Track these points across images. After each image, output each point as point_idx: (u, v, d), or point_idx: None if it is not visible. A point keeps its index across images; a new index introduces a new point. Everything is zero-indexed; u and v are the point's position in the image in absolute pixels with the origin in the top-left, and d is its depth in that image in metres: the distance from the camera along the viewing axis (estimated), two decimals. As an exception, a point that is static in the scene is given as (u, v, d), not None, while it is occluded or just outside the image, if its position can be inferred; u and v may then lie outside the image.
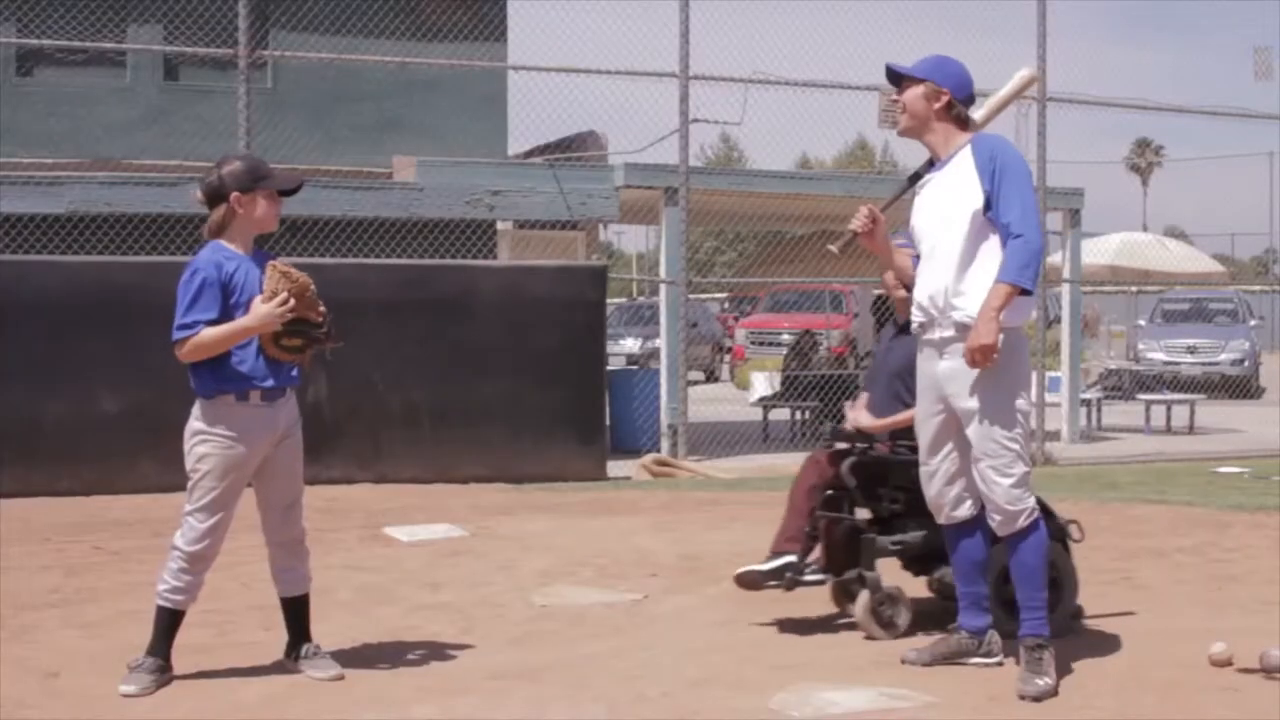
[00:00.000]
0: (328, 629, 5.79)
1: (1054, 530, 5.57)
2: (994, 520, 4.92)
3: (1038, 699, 4.64)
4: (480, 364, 11.05)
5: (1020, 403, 4.95)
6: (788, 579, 5.66)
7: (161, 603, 4.92)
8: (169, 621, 4.92)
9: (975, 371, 4.84)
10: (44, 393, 10.07)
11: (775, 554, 5.75)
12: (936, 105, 5.05)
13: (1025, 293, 4.82)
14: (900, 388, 5.76)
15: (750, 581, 5.76)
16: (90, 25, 13.44)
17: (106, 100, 14.66)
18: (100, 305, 10.08)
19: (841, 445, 5.85)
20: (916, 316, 5.09)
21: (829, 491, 5.70)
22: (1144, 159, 48.96)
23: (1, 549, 7.70)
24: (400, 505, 9.68)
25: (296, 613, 5.13)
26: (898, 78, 5.13)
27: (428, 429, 10.89)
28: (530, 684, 4.96)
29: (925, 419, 5.11)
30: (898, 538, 5.67)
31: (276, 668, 5.11)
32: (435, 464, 10.85)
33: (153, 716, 4.59)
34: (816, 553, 5.73)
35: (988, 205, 4.89)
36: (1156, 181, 49.64)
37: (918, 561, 5.82)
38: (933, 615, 5.65)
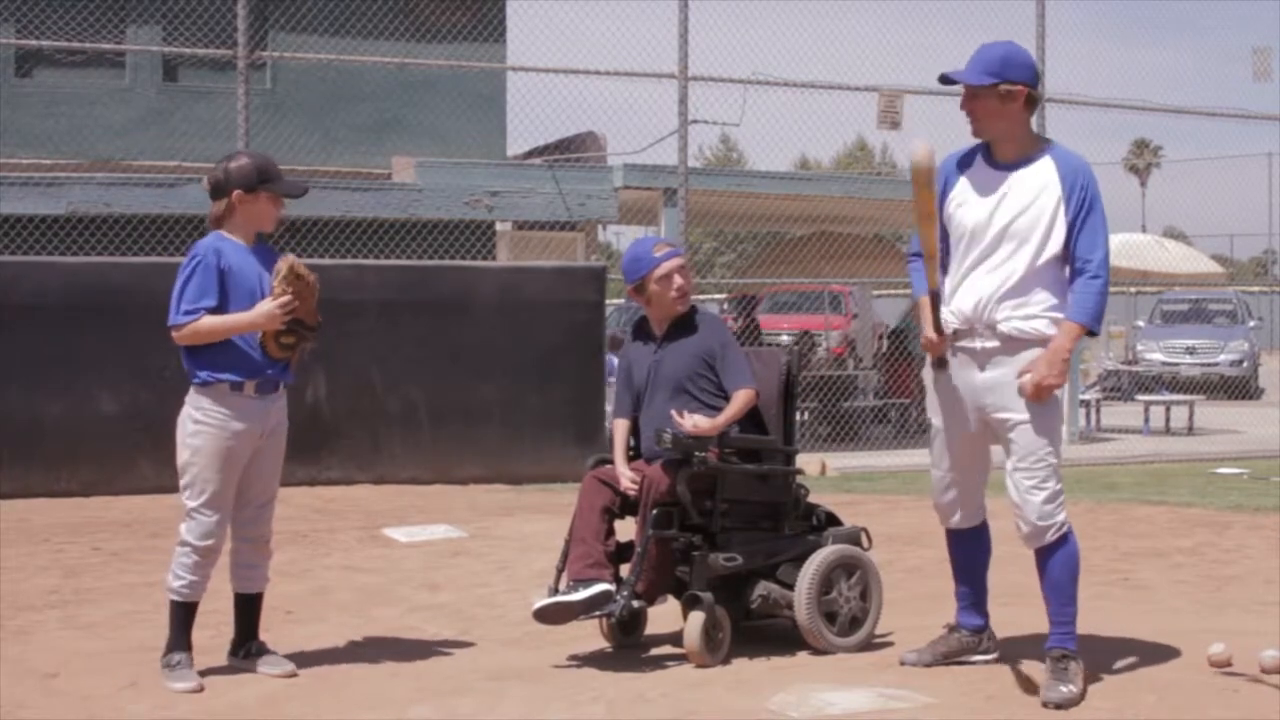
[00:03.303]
0: (326, 629, 5.81)
1: (849, 537, 5.56)
2: (1021, 531, 4.82)
3: (1060, 706, 4.58)
4: (479, 365, 11.04)
5: (1059, 417, 4.89)
6: (621, 607, 5.11)
7: (176, 598, 4.97)
8: (186, 615, 4.99)
9: (1017, 383, 4.73)
10: (44, 393, 10.06)
11: (578, 582, 5.18)
12: (1014, 105, 4.78)
13: (1091, 334, 4.81)
14: (693, 390, 5.41)
15: (560, 614, 5.16)
16: (89, 26, 13.45)
17: (105, 101, 14.67)
18: (100, 306, 10.08)
19: (674, 455, 5.23)
20: (951, 322, 4.88)
21: (657, 508, 5.15)
22: (1142, 159, 48.93)
23: (1, 549, 7.70)
24: (399, 506, 9.68)
25: (250, 610, 5.19)
26: (958, 83, 4.80)
27: (427, 430, 10.89)
28: (530, 684, 4.96)
29: (952, 428, 4.98)
30: (730, 555, 5.25)
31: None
32: (434, 465, 10.85)
33: (152, 717, 4.59)
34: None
35: (1068, 234, 4.72)
36: (1155, 182, 49.56)
37: (739, 579, 5.36)
38: (774, 635, 5.46)
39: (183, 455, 4.96)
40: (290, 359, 5.06)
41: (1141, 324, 25.03)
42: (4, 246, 11.65)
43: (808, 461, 12.79)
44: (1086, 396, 15.93)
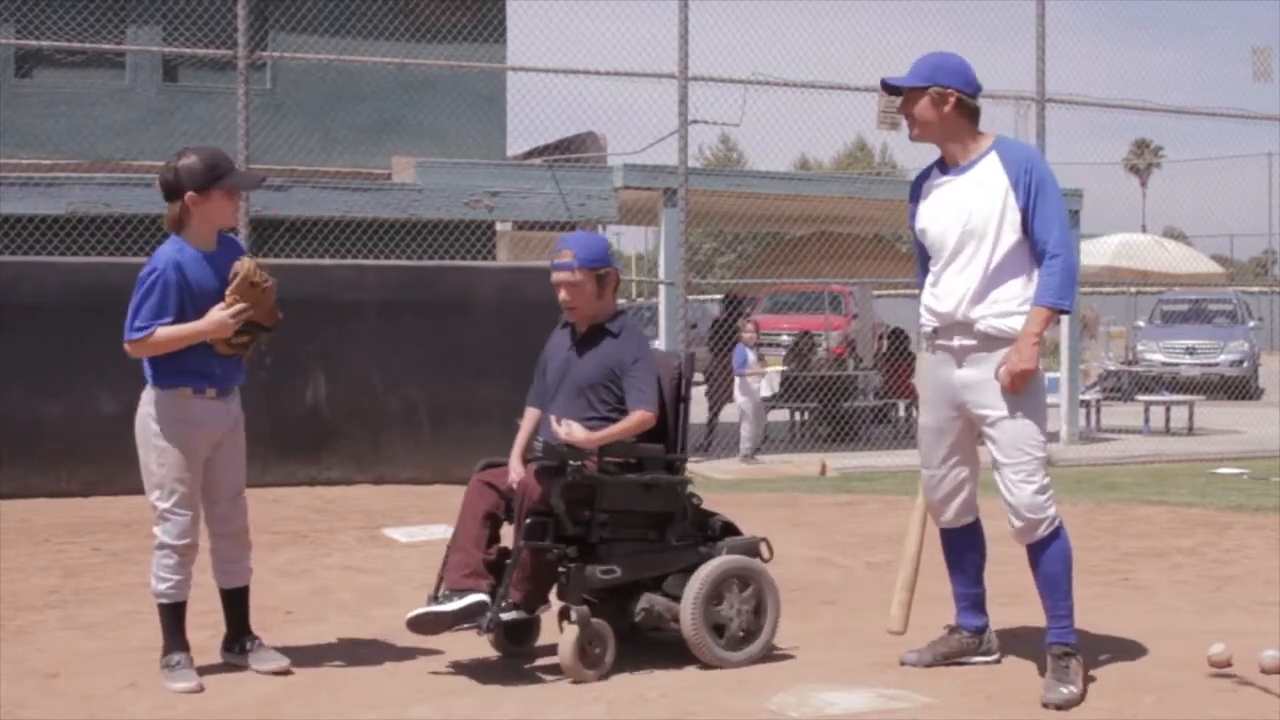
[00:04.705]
0: (326, 629, 5.81)
1: (747, 547, 5.35)
2: (1013, 527, 4.84)
3: (1061, 707, 4.59)
4: (479, 365, 11.04)
5: (1041, 412, 4.87)
6: (489, 619, 4.93)
7: (164, 600, 4.98)
8: (176, 616, 5.00)
9: (999, 380, 4.76)
10: (44, 393, 10.07)
11: (453, 591, 5.03)
12: (946, 108, 4.87)
13: (1064, 313, 4.79)
14: (593, 399, 5.25)
15: (433, 625, 5.00)
16: (89, 26, 13.44)
17: (106, 101, 14.66)
18: (100, 306, 10.01)
19: (548, 463, 5.07)
20: (930, 322, 4.98)
21: (531, 518, 4.97)
22: (1143, 160, 48.93)
23: (1, 550, 7.70)
24: (399, 506, 9.67)
25: (238, 605, 5.21)
26: (897, 89, 4.96)
27: (426, 430, 10.89)
28: (530, 684, 4.96)
29: (935, 426, 5.02)
30: (609, 567, 5.04)
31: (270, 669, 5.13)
32: (434, 465, 10.84)
33: (152, 717, 4.59)
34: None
35: (1023, 221, 4.77)
36: (1155, 182, 49.55)
37: (625, 590, 5.16)
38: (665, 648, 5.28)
39: (150, 458, 4.95)
40: (242, 355, 5.06)
41: (1141, 324, 25.03)
42: (4, 246, 11.65)
43: (808, 461, 12.80)
44: (1086, 396, 15.92)
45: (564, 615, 5.07)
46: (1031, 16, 13.75)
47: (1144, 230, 26.45)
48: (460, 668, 5.21)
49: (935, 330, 4.97)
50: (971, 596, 5.17)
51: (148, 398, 4.98)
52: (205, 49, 12.70)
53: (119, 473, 9.96)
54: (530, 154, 16.49)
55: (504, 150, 15.91)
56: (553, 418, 5.15)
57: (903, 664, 5.12)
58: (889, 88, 5.02)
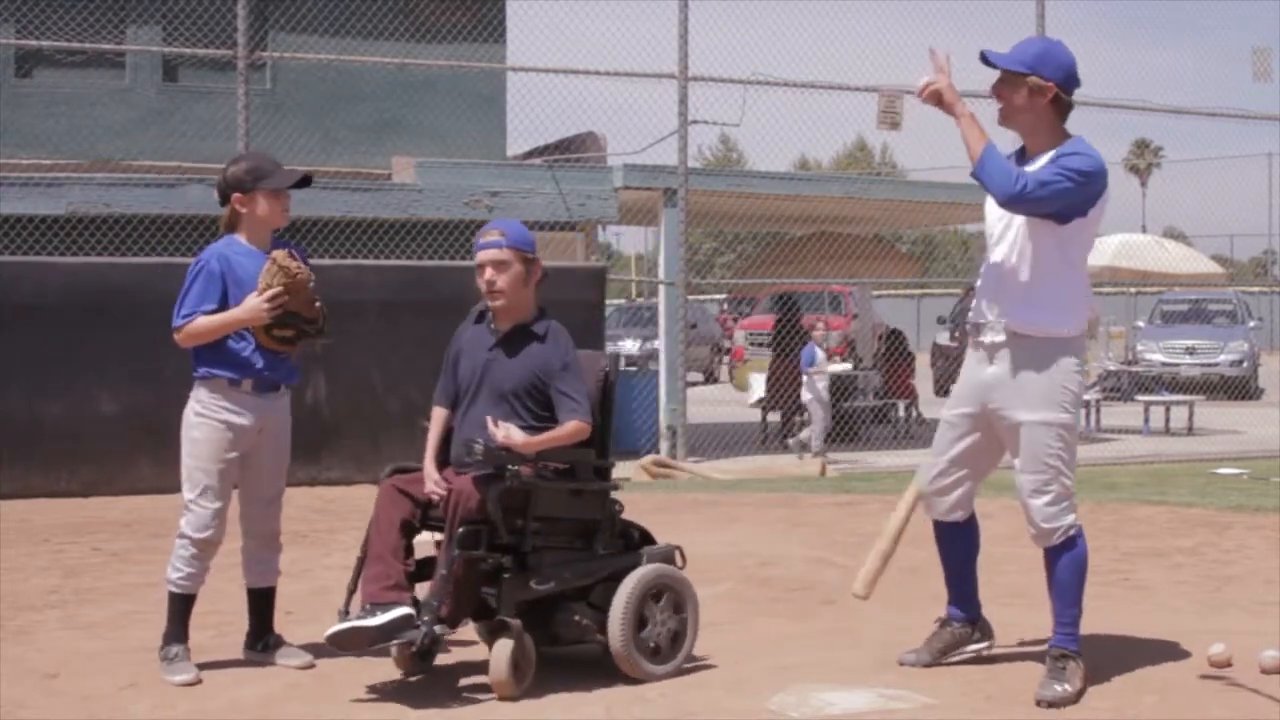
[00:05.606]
0: (326, 629, 5.80)
1: (663, 555, 5.17)
2: (1029, 531, 4.83)
3: (1054, 704, 4.59)
4: (479, 365, 11.03)
5: (1067, 417, 4.78)
6: (424, 634, 4.61)
7: (174, 589, 5.03)
8: (183, 607, 5.04)
9: (1022, 381, 4.73)
10: (44, 393, 10.07)
11: (375, 605, 4.70)
12: (1043, 101, 4.74)
13: (975, 173, 4.63)
14: (517, 406, 4.99)
15: (356, 641, 4.66)
16: (89, 26, 13.45)
17: (106, 101, 14.67)
18: (100, 306, 10.09)
19: (485, 469, 4.79)
20: (972, 317, 4.93)
21: (464, 526, 4.67)
22: (1143, 160, 48.95)
23: (1, 550, 7.70)
24: (399, 506, 9.66)
25: (264, 603, 5.28)
26: (993, 64, 4.75)
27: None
28: (529, 684, 4.95)
29: (956, 420, 4.99)
30: (544, 578, 4.81)
31: (275, 667, 5.13)
32: (434, 465, 10.83)
33: (152, 717, 4.59)
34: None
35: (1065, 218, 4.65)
36: (1155, 182, 49.56)
37: (548, 602, 4.93)
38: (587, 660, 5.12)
39: (184, 448, 5.04)
40: (290, 351, 5.11)
41: (1141, 324, 25.02)
42: (4, 246, 11.65)
43: (809, 461, 12.80)
44: (1086, 396, 15.93)
45: (496, 630, 4.78)
46: (1031, 16, 13.75)
47: (1144, 230, 26.45)
48: (460, 669, 5.21)
49: (975, 326, 4.92)
50: (962, 588, 5.16)
51: (192, 391, 5.08)
52: (205, 49, 12.71)
53: (119, 473, 10.00)
54: (530, 154, 16.49)
55: (504, 150, 15.92)
56: (489, 419, 4.87)
57: (901, 664, 5.11)
58: (987, 62, 4.79)
